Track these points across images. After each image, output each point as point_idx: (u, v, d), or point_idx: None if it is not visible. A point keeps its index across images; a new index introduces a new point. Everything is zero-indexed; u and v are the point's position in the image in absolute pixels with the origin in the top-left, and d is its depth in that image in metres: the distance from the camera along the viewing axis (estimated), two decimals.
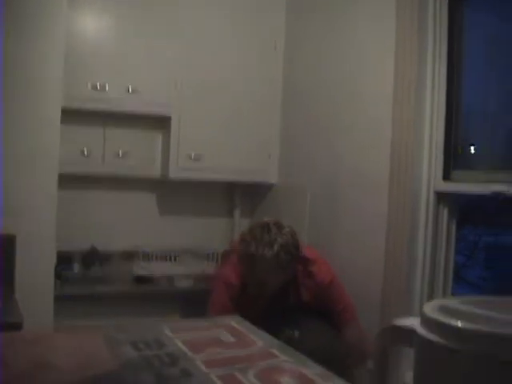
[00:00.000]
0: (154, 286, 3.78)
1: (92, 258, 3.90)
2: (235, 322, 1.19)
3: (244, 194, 4.44)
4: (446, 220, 3.06)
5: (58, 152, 2.94)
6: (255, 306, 2.89)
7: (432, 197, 3.04)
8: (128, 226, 4.09)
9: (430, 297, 3.02)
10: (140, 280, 3.83)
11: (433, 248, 3.05)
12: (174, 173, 3.89)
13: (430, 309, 0.83)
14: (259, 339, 1.11)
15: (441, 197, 3.04)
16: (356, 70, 3.44)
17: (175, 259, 4.10)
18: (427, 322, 0.82)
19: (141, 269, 3.93)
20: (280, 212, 4.12)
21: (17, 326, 2.30)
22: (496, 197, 2.72)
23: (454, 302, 0.83)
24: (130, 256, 4.06)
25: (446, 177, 3.02)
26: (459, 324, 0.77)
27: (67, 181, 3.67)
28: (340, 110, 3.53)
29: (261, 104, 4.09)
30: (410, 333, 0.84)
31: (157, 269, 3.88)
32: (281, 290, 2.95)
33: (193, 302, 3.51)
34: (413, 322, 0.85)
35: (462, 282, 3.77)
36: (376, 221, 3.19)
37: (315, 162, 3.73)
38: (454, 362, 0.77)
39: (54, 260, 2.89)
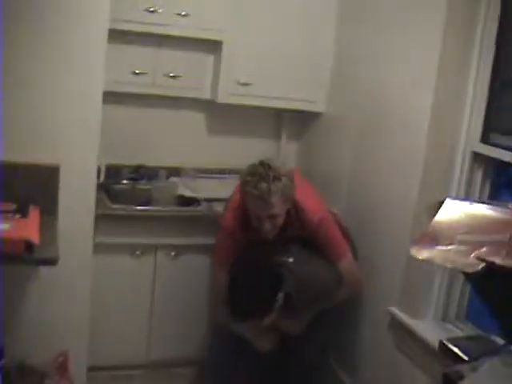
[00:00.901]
0: (197, 206, 3.92)
1: (139, 174, 4.07)
2: None
3: (291, 120, 4.46)
4: (479, 180, 3.07)
5: (103, 75, 2.96)
6: (257, 239, 3.11)
7: (468, 155, 3.05)
8: (176, 144, 4.21)
9: None
10: (184, 200, 3.98)
11: None
12: (223, 97, 3.94)
13: None
14: None
15: (477, 158, 3.04)
16: None
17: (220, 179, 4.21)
18: None
19: (185, 188, 4.07)
20: (325, 140, 4.17)
21: (53, 262, 2.49)
22: None
23: None
24: (176, 174, 4.20)
25: (485, 139, 3.00)
26: None
27: (118, 98, 3.81)
28: (394, 40, 3.46)
29: (313, 33, 4.03)
30: None
31: (201, 189, 4.00)
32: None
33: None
34: None
35: None
36: (412, 168, 3.21)
37: (363, 94, 3.71)
38: None
39: (94, 189, 3.03)
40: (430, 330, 3.09)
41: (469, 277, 1.11)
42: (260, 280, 3.04)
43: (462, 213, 0.99)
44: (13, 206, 2.65)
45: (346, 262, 3.20)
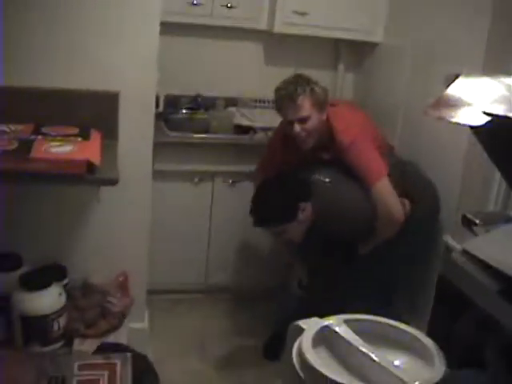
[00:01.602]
0: (253, 135, 3.98)
1: (197, 103, 4.14)
2: None
3: (348, 51, 4.46)
4: None
5: (160, 5, 2.97)
6: (297, 158, 3.26)
7: None
8: (233, 74, 4.28)
9: None
10: (240, 129, 4.05)
11: None
12: (279, 27, 3.96)
13: None
14: None
15: None
16: None
17: None
18: None
19: (242, 117, 4.13)
20: (381, 72, 4.15)
21: (113, 182, 2.59)
22: None
23: None
24: (233, 103, 4.26)
25: None
26: None
27: (176, 29, 3.86)
28: None
29: None
30: None
31: (257, 118, 4.06)
32: (315, 147, 3.20)
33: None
34: None
35: None
36: None
37: (420, 26, 3.68)
38: None
39: (152, 117, 3.10)
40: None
41: (476, 133, 1.23)
42: (285, 189, 3.12)
43: (473, 82, 1.11)
44: (76, 130, 2.75)
45: (377, 189, 3.05)
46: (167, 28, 3.23)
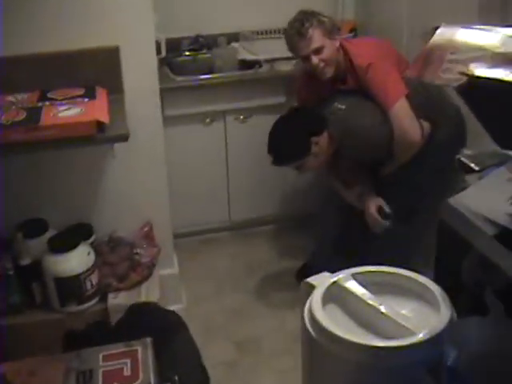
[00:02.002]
0: (259, 68, 3.95)
1: (199, 43, 4.11)
2: None
3: None
4: None
5: None
6: (323, 90, 3.23)
7: None
8: (231, 9, 4.18)
9: None
10: (246, 64, 4.02)
11: None
12: None
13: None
14: None
15: None
16: None
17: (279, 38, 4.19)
18: None
19: (246, 52, 4.10)
20: None
21: (124, 138, 2.62)
22: None
23: None
24: (235, 39, 4.22)
25: None
26: None
27: None
28: None
29: None
30: None
31: (261, 51, 4.02)
32: (335, 78, 3.19)
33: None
34: None
35: None
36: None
37: None
38: None
39: (155, 64, 3.09)
40: None
41: (459, 92, 1.25)
42: (295, 126, 3.17)
43: (453, 36, 1.11)
44: (81, 91, 2.76)
45: (394, 111, 3.01)
46: None
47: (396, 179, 3.16)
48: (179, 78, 3.76)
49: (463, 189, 1.50)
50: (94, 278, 2.83)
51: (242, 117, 3.88)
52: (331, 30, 3.16)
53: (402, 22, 3.78)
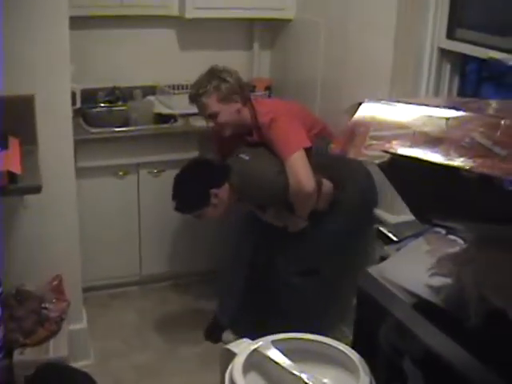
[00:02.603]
0: (174, 123, 3.97)
1: (115, 95, 4.09)
2: None
3: (263, 30, 4.45)
4: (448, 75, 3.13)
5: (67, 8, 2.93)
6: (233, 142, 3.36)
7: (436, 52, 3.10)
8: (148, 63, 4.21)
9: None
10: (161, 117, 4.03)
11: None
12: (191, 12, 3.92)
13: None
14: None
15: (444, 53, 3.09)
16: None
17: None
18: None
19: (162, 105, 4.11)
20: (297, 46, 4.18)
21: (37, 190, 2.56)
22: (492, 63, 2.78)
23: None
24: (151, 92, 4.23)
25: (450, 35, 3.04)
26: None
27: (86, 22, 3.79)
28: None
29: None
30: None
31: (177, 105, 4.03)
32: (241, 132, 3.33)
33: (210, 141, 3.72)
34: None
35: None
36: (381, 66, 3.26)
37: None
38: None
39: (70, 115, 3.06)
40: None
41: (380, 168, 1.32)
42: (196, 177, 3.30)
43: (376, 113, 1.18)
44: None
45: (290, 161, 3.08)
46: (77, 22, 3.17)
47: (301, 235, 3.24)
48: (94, 130, 3.72)
49: (382, 258, 1.55)
50: (0, 333, 2.72)
51: (155, 171, 3.87)
52: (227, 96, 3.28)
53: (316, 84, 3.88)
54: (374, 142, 1.13)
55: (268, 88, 4.37)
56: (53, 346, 2.86)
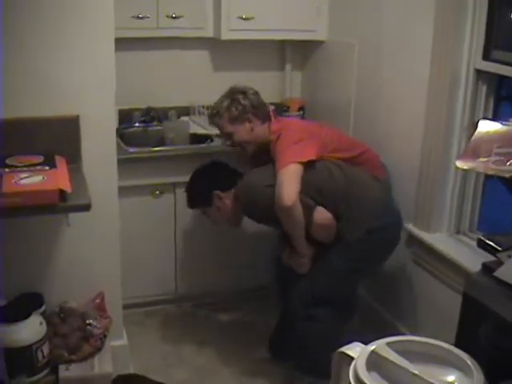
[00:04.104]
0: (210, 143, 4.03)
1: (150, 116, 4.16)
2: None
3: (295, 51, 4.53)
4: (484, 96, 3.16)
5: (113, 21, 2.99)
6: (255, 162, 3.38)
7: (472, 73, 3.13)
8: (183, 84, 4.30)
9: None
10: (196, 138, 4.08)
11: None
12: (226, 34, 4.00)
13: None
14: None
15: (480, 75, 3.12)
16: None
17: None
18: None
19: (197, 126, 4.17)
20: (330, 67, 4.24)
21: (86, 207, 2.61)
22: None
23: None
24: (186, 113, 4.30)
25: (487, 56, 3.07)
26: None
27: (123, 43, 3.84)
28: None
29: None
30: None
31: (211, 126, 4.08)
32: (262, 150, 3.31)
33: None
34: None
35: None
36: (417, 89, 3.31)
37: (364, 20, 3.79)
38: None
39: (114, 135, 3.11)
40: (445, 243, 3.26)
41: (506, 182, 1.41)
42: (204, 177, 3.48)
43: (495, 130, 1.27)
44: (40, 159, 2.75)
45: (281, 172, 3.03)
46: (116, 43, 3.23)
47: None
48: (132, 149, 3.78)
49: (485, 266, 1.62)
50: (46, 349, 2.77)
51: None
52: (238, 116, 3.31)
53: (350, 106, 3.94)
54: (500, 157, 1.20)
55: (301, 108, 4.42)
56: (98, 361, 2.89)
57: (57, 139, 2.89)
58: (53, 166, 2.70)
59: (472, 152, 1.28)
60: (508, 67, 2.93)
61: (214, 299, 4.21)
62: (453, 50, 3.10)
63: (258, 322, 3.98)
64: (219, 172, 3.48)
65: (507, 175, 1.22)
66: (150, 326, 3.95)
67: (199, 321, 4.05)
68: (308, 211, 3.06)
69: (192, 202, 3.54)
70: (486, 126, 1.32)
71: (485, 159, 1.24)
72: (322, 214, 3.10)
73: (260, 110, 3.36)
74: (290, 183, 3.00)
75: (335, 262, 3.13)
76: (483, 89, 3.15)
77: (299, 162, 3.04)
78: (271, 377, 3.48)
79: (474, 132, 1.33)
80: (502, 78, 3.11)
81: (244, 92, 3.36)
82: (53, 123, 2.88)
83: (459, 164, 1.30)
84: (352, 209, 3.11)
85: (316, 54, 4.39)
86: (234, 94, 3.34)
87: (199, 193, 3.46)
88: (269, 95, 4.33)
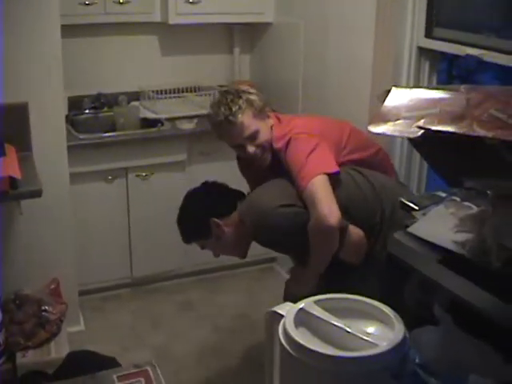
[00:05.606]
0: (160, 127, 4.03)
1: (100, 102, 4.16)
2: None
3: (243, 34, 4.55)
4: (427, 73, 3.25)
5: (58, 10, 3.00)
6: (262, 174, 2.80)
7: (415, 51, 3.20)
8: (132, 69, 4.31)
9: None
10: (147, 122, 4.10)
11: None
12: (174, 18, 4.02)
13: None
14: None
15: (422, 52, 3.20)
16: None
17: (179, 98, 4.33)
18: None
19: (147, 110, 4.19)
20: (277, 48, 4.28)
21: (37, 194, 2.63)
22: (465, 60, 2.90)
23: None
24: (136, 98, 4.30)
25: (429, 34, 3.15)
26: None
27: (71, 30, 3.84)
28: None
29: None
30: None
31: (162, 110, 4.12)
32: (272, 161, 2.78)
33: (197, 143, 3.88)
34: None
35: None
36: (362, 66, 3.39)
37: (310, 2, 3.84)
38: None
39: (63, 122, 3.12)
40: None
41: (414, 143, 1.66)
42: (196, 204, 2.87)
43: (405, 97, 1.42)
44: None
45: (308, 191, 2.49)
46: (61, 30, 3.23)
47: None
48: (82, 136, 3.77)
49: (407, 226, 1.77)
50: (2, 337, 2.77)
51: (143, 174, 3.93)
52: (262, 108, 2.77)
53: (298, 85, 4.00)
54: (407, 121, 1.33)
55: None
56: (54, 347, 2.91)
57: (6, 127, 2.88)
58: (2, 154, 2.71)
59: (382, 117, 1.42)
60: (449, 44, 3.01)
61: (169, 281, 4.25)
62: (395, 27, 3.16)
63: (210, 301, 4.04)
64: (214, 194, 2.85)
65: (411, 136, 1.35)
66: (107, 311, 3.96)
67: (155, 303, 4.07)
68: (341, 232, 2.52)
69: (187, 236, 2.90)
70: (397, 94, 1.46)
71: (394, 122, 1.38)
72: (356, 234, 2.58)
73: (267, 107, 2.87)
74: (327, 198, 2.46)
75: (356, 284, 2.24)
76: (426, 66, 3.23)
77: (325, 173, 2.53)
78: (230, 354, 3.55)
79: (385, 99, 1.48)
80: (453, 58, 3.19)
81: (247, 89, 2.83)
82: (1, 111, 2.87)
83: (371, 128, 1.43)
84: (385, 222, 2.60)
85: (264, 36, 4.43)
86: (239, 90, 2.78)
87: (193, 224, 2.83)
88: (218, 78, 4.41)
